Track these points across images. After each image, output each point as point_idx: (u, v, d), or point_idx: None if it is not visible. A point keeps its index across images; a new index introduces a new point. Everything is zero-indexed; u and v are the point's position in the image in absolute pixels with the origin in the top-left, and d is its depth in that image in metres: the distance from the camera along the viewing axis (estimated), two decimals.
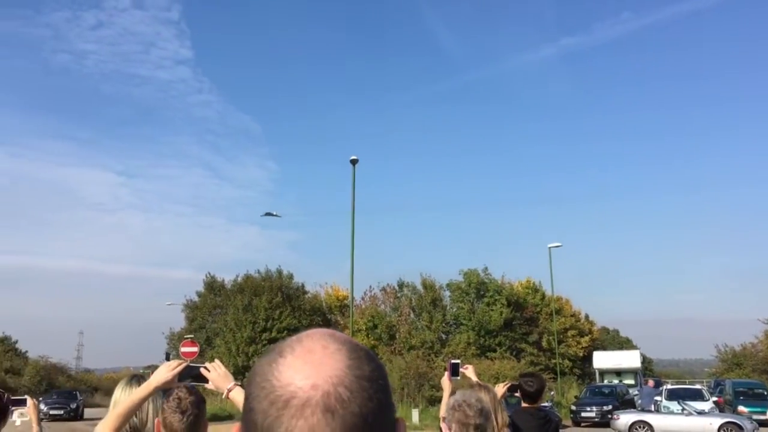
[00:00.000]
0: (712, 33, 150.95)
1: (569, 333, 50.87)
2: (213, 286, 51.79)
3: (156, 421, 2.75)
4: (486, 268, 48.68)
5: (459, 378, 4.91)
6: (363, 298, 49.89)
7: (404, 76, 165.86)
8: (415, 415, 28.36)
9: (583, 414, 27.82)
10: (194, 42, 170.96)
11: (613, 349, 51.05)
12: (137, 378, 3.08)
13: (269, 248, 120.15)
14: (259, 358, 0.80)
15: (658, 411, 24.54)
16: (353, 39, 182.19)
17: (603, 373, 39.52)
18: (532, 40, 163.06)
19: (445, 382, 4.76)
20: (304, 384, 0.71)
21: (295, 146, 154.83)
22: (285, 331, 43.10)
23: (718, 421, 21.80)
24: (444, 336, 47.73)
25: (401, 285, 49.77)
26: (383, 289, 50.30)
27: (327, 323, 47.33)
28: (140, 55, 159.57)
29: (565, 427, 27.05)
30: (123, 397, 2.92)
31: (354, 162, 26.49)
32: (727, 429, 21.22)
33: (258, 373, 0.76)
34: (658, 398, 26.10)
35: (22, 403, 4.31)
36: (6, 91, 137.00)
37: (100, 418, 2.72)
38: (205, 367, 2.79)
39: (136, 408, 2.74)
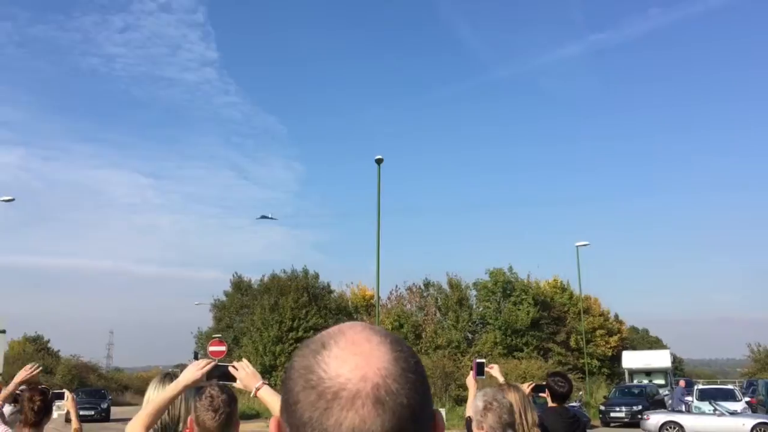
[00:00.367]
0: (746, 26, 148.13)
1: (598, 332, 50.32)
2: (240, 286, 52.23)
3: (189, 418, 2.79)
4: (510, 267, 48.42)
5: (484, 377, 4.90)
6: (389, 298, 49.90)
7: (429, 75, 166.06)
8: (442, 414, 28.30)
9: (613, 414, 27.54)
10: (219, 44, 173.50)
11: (642, 349, 50.49)
12: (169, 376, 3.12)
13: (295, 248, 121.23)
14: (298, 350, 0.80)
15: (689, 411, 24.18)
16: (377, 39, 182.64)
17: (632, 373, 39.07)
18: (558, 37, 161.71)
19: (471, 381, 4.74)
20: (353, 375, 0.71)
21: (321, 147, 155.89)
22: (311, 331, 43.25)
23: (750, 421, 21.43)
24: (470, 335, 47.54)
25: (427, 284, 49.68)
26: (409, 289, 50.26)
27: None
28: (167, 57, 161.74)
29: (594, 427, 26.80)
30: (155, 395, 2.97)
31: (379, 161, 26.50)
32: (760, 430, 20.86)
33: (301, 366, 0.75)
34: (689, 398, 25.71)
35: (61, 396, 4.57)
36: (38, 95, 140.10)
37: (128, 419, 2.77)
38: (234, 366, 2.82)
39: (167, 406, 2.78)
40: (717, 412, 22.53)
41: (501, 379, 4.85)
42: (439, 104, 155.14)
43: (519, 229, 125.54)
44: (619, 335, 53.37)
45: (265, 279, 49.09)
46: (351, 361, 0.72)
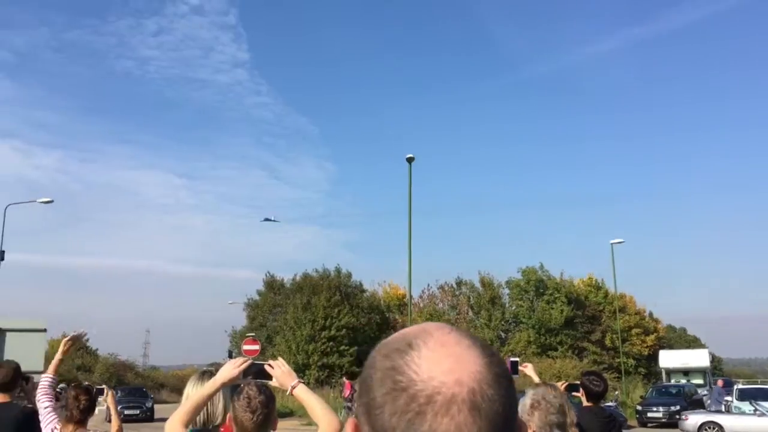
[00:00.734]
0: None
1: (633, 331, 49.61)
2: (273, 285, 52.69)
3: (228, 416, 2.84)
4: (542, 265, 48.00)
5: (518, 376, 4.87)
6: (421, 297, 49.97)
7: (461, 72, 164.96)
8: None
9: (650, 414, 27.14)
10: (251, 45, 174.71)
11: (680, 348, 49.64)
12: (207, 374, 3.18)
13: (326, 248, 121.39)
14: (378, 350, 0.74)
15: (728, 411, 23.69)
16: (408, 36, 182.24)
17: (670, 372, 38.44)
18: (593, 31, 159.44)
19: None
20: (447, 379, 0.66)
21: (352, 146, 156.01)
22: (344, 329, 43.54)
23: None
24: (503, 334, 47.31)
25: (459, 283, 49.59)
26: (441, 288, 50.25)
27: (385, 321, 47.54)
28: (200, 59, 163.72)
29: (631, 427, 26.43)
30: (193, 392, 3.03)
31: (410, 160, 26.48)
32: None
33: (387, 367, 0.69)
34: (728, 398, 25.19)
35: (100, 392, 4.67)
36: (74, 98, 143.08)
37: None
38: (269, 364, 2.86)
39: (205, 403, 2.84)
40: (758, 412, 22.03)
41: (536, 379, 4.82)
42: (470, 102, 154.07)
43: (552, 227, 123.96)
44: (655, 334, 52.58)
45: (298, 278, 49.49)
46: (444, 364, 0.67)
